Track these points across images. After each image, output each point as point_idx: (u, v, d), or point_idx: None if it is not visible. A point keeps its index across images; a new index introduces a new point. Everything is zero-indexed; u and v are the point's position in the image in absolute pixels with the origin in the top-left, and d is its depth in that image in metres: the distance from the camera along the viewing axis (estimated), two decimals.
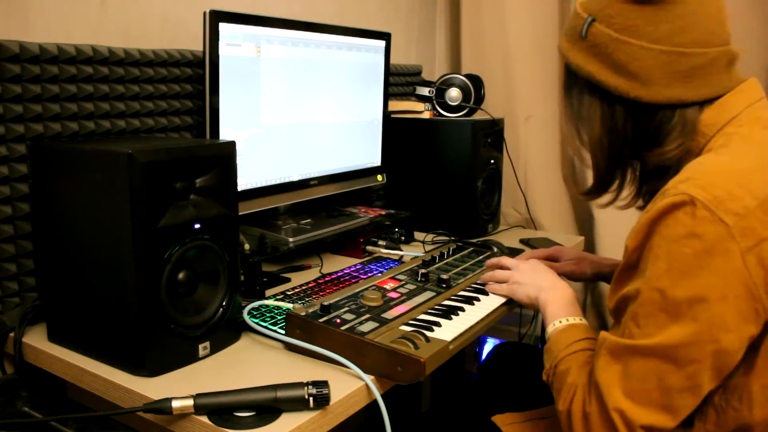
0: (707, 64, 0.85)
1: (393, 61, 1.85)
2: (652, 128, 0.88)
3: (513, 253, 1.57)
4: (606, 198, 1.00)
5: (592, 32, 0.89)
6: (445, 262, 1.41)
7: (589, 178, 1.00)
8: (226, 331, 1.05)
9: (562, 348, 0.93)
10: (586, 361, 0.89)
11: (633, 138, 0.90)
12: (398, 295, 1.17)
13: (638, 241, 0.80)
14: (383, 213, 1.73)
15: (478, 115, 1.94)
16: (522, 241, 1.81)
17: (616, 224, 2.03)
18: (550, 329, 1.00)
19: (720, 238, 0.73)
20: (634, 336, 0.79)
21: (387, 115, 1.85)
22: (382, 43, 1.76)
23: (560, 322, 0.99)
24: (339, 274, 1.37)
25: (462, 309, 1.15)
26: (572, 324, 0.98)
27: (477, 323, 1.11)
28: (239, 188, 1.12)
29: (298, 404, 0.85)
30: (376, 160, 1.84)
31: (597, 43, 0.88)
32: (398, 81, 2.09)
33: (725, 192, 0.74)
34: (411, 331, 1.01)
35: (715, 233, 0.73)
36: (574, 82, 0.94)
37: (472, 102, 1.94)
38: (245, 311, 1.10)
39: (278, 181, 1.48)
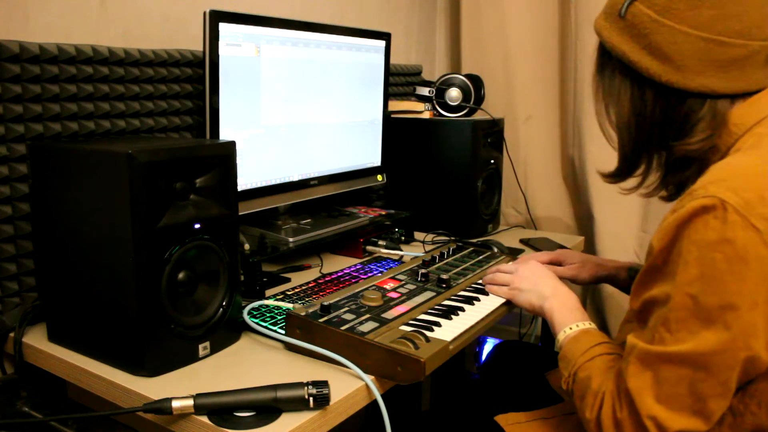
0: (746, 56, 0.83)
1: (393, 61, 1.85)
2: (680, 116, 0.86)
3: (513, 253, 1.57)
4: (631, 182, 0.97)
5: (631, 11, 0.86)
6: (445, 262, 1.41)
7: (612, 163, 0.97)
8: (226, 331, 1.05)
9: (579, 355, 0.92)
10: (608, 367, 0.88)
11: (661, 123, 0.88)
12: (398, 295, 1.17)
13: (665, 242, 0.78)
14: (383, 213, 1.73)
15: (478, 115, 1.94)
16: (522, 241, 1.81)
17: (617, 224, 2.04)
18: (561, 337, 1.00)
19: (752, 244, 0.72)
20: (665, 341, 0.77)
21: (387, 115, 1.85)
22: (382, 43, 1.76)
23: (570, 329, 0.99)
24: (339, 274, 1.37)
25: (462, 309, 1.15)
26: (583, 330, 0.98)
27: (477, 323, 1.11)
28: (239, 188, 1.12)
29: (298, 404, 0.85)
30: (376, 160, 1.84)
31: (636, 23, 0.86)
32: (398, 81, 2.09)
33: (757, 196, 0.73)
34: (411, 331, 1.01)
35: (746, 239, 0.72)
36: (607, 61, 0.92)
37: (472, 102, 1.94)
38: (245, 311, 1.10)
39: (278, 181, 1.48)
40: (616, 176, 0.98)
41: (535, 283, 1.15)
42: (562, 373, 0.95)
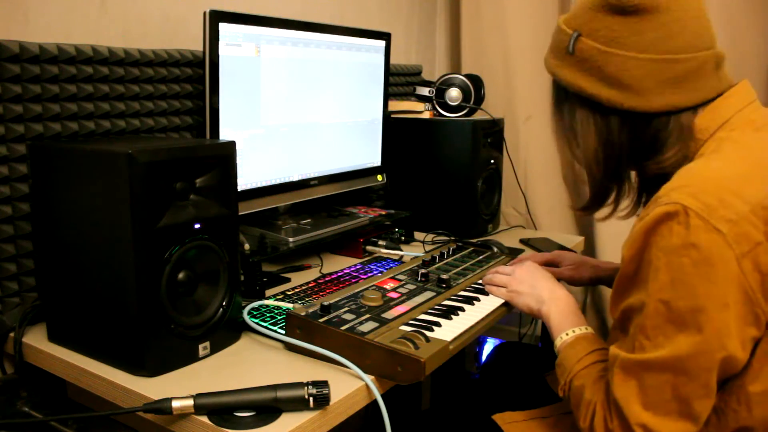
0: (697, 68, 0.85)
1: (393, 61, 1.85)
2: (648, 137, 0.89)
3: (513, 253, 1.57)
4: (604, 212, 1.00)
5: (579, 47, 0.89)
6: (445, 262, 1.41)
7: (586, 190, 1.00)
8: (226, 331, 1.05)
9: (574, 362, 0.93)
10: (600, 376, 0.89)
11: (630, 148, 0.90)
12: (398, 295, 1.17)
13: (634, 250, 0.80)
14: (383, 213, 1.73)
15: (478, 115, 1.94)
16: (522, 241, 1.81)
17: (617, 224, 2.03)
18: (558, 343, 1.00)
19: (716, 246, 0.73)
20: (645, 348, 0.79)
21: (387, 115, 1.85)
22: (382, 43, 1.76)
23: (567, 334, 0.99)
24: (339, 274, 1.37)
25: (462, 309, 1.15)
26: (579, 336, 0.98)
27: (477, 323, 1.11)
28: (239, 188, 1.12)
29: (298, 404, 0.85)
30: (376, 160, 1.84)
31: (585, 57, 0.88)
32: (398, 81, 2.09)
33: (717, 199, 0.75)
34: (411, 331, 1.01)
35: (710, 242, 0.74)
36: (564, 97, 0.94)
37: (472, 102, 1.94)
38: (245, 311, 1.10)
39: (278, 181, 1.48)
40: (588, 208, 1.00)
41: (533, 285, 1.15)
42: (558, 380, 0.95)
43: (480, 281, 1.30)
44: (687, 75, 0.85)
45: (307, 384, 0.85)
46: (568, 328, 1.00)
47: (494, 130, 1.88)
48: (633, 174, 0.97)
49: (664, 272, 0.76)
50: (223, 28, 1.27)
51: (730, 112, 0.86)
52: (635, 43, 0.85)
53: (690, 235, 0.74)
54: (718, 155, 0.84)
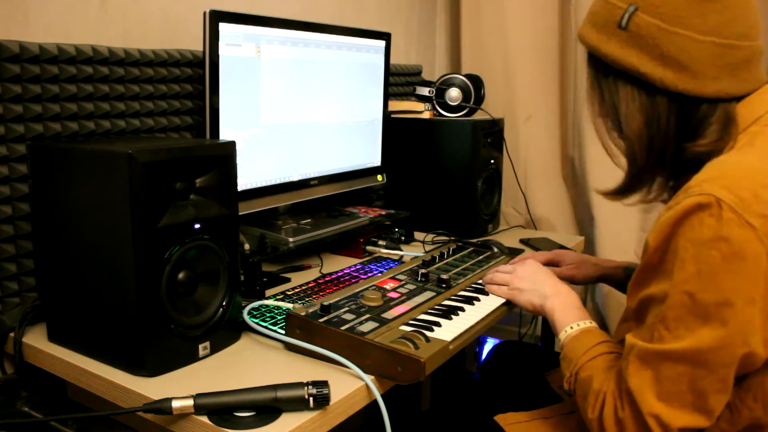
0: (751, 56, 0.84)
1: (393, 61, 1.85)
2: (694, 122, 0.85)
3: (513, 253, 1.57)
4: (636, 196, 0.96)
5: (635, 22, 0.85)
6: (445, 262, 1.41)
7: (617, 176, 0.95)
8: (226, 331, 1.05)
9: (580, 354, 0.92)
10: (609, 366, 0.88)
11: (674, 131, 0.87)
12: (398, 295, 1.17)
13: (661, 240, 0.79)
14: (383, 213, 1.73)
15: (478, 115, 1.94)
16: (522, 241, 1.81)
17: (617, 224, 2.04)
18: (562, 336, 1.00)
19: (747, 241, 0.72)
20: (664, 339, 0.78)
21: (387, 115, 1.85)
22: (382, 43, 1.76)
23: (571, 328, 0.99)
24: (339, 274, 1.37)
25: (462, 309, 1.15)
26: (584, 329, 0.98)
27: (477, 323, 1.11)
28: (239, 188, 1.12)
29: (298, 404, 0.85)
30: (376, 160, 1.84)
31: (642, 33, 0.84)
32: (398, 81, 2.09)
33: (751, 193, 0.74)
34: (411, 331, 1.01)
35: (742, 236, 0.72)
36: (605, 74, 0.90)
37: (472, 102, 1.94)
38: (245, 311, 1.10)
39: (278, 181, 1.48)
40: (621, 192, 0.96)
41: (535, 282, 1.15)
42: (563, 373, 0.95)
43: (480, 281, 1.30)
44: (742, 63, 0.83)
45: (307, 384, 0.85)
46: (573, 322, 1.00)
47: (494, 130, 1.88)
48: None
49: (691, 263, 0.75)
50: (223, 28, 1.27)
51: (765, 108, 0.84)
52: (697, 24, 0.82)
53: (722, 228, 0.73)
54: (751, 149, 0.82)
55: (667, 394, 0.78)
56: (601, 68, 0.90)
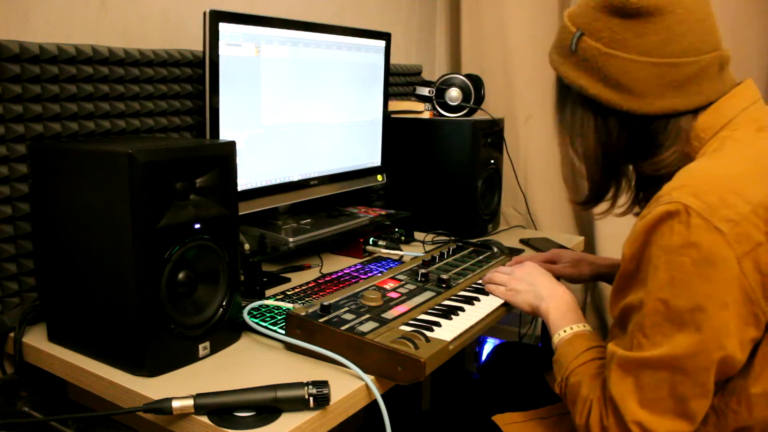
0: (699, 72, 0.85)
1: (393, 61, 1.85)
2: (646, 139, 0.89)
3: (513, 253, 1.57)
4: (602, 207, 1.01)
5: (581, 46, 0.89)
6: (445, 262, 1.41)
7: (585, 186, 1.01)
8: (226, 331, 1.05)
9: (571, 359, 0.93)
10: (597, 372, 0.89)
11: (627, 148, 0.91)
12: (398, 295, 1.17)
13: (635, 248, 0.81)
14: (383, 213, 1.73)
15: (478, 115, 1.94)
16: (522, 241, 1.81)
17: (617, 224, 2.03)
18: (555, 339, 1.00)
19: (716, 246, 0.73)
20: (642, 347, 0.79)
21: (387, 115, 1.85)
22: (382, 43, 1.76)
23: (564, 331, 0.99)
24: (339, 274, 1.37)
25: (462, 309, 1.15)
26: (577, 333, 0.99)
27: (477, 323, 1.11)
28: (239, 188, 1.12)
29: (298, 404, 0.85)
30: (376, 160, 1.84)
31: (587, 57, 0.88)
32: (398, 81, 2.09)
33: (718, 198, 0.75)
34: (411, 331, 1.01)
35: (711, 241, 0.74)
36: (566, 94, 0.95)
37: (472, 102, 1.94)
38: (245, 311, 1.10)
39: (278, 181, 1.48)
40: (586, 203, 1.01)
41: (532, 283, 1.15)
42: (555, 376, 0.95)
43: (480, 281, 1.30)
44: (688, 79, 0.85)
45: (307, 384, 0.85)
46: (566, 325, 1.00)
47: (494, 130, 1.88)
48: (631, 171, 0.97)
49: (664, 271, 0.76)
50: (223, 28, 1.27)
51: (734, 112, 0.86)
52: (637, 46, 0.84)
53: (691, 235, 0.74)
54: (720, 154, 0.84)
55: (648, 401, 0.79)
56: (564, 89, 0.95)
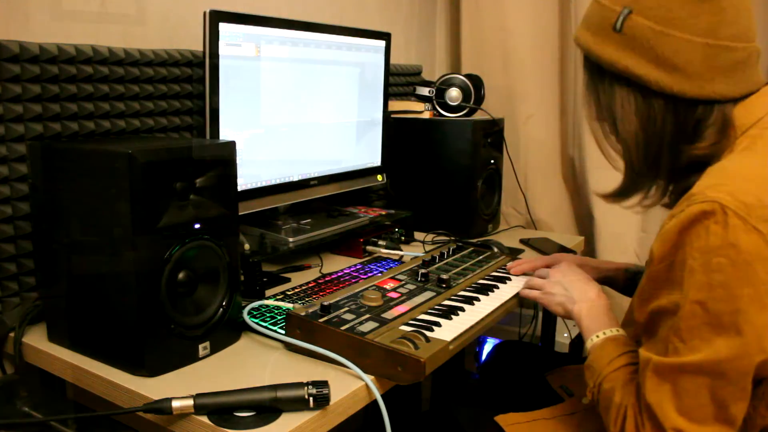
0: (746, 58, 0.83)
1: (393, 61, 1.85)
2: (691, 124, 0.85)
3: (513, 253, 1.57)
4: (634, 199, 0.96)
5: (629, 25, 0.84)
6: (445, 262, 1.41)
7: (616, 179, 0.95)
8: (226, 331, 1.05)
9: (604, 365, 0.91)
10: (630, 378, 0.87)
11: (672, 133, 0.86)
12: (398, 295, 1.17)
13: (667, 249, 0.78)
14: (383, 213, 1.73)
15: (478, 115, 1.94)
16: (522, 241, 1.81)
17: (617, 224, 2.04)
18: (588, 344, 0.98)
19: (755, 247, 0.72)
20: (679, 352, 0.77)
21: (387, 115, 1.85)
22: (382, 43, 1.76)
23: (597, 336, 0.97)
24: (339, 274, 1.37)
25: (462, 309, 1.15)
26: (609, 337, 0.96)
27: (477, 323, 1.11)
28: (239, 188, 1.12)
29: (298, 404, 0.85)
30: (376, 160, 1.84)
31: (636, 35, 0.84)
32: (398, 81, 2.09)
33: (755, 198, 0.73)
34: (411, 331, 1.01)
35: (749, 242, 0.72)
36: (600, 77, 0.90)
37: (472, 102, 1.94)
38: (245, 311, 1.10)
39: (278, 181, 1.48)
40: (619, 195, 0.96)
41: (566, 287, 1.13)
42: (587, 382, 0.93)
43: (480, 281, 1.30)
44: (738, 64, 0.83)
45: (307, 384, 0.85)
46: (599, 330, 0.98)
47: (494, 130, 1.88)
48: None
49: (701, 273, 0.74)
50: (223, 28, 1.27)
51: (765, 110, 0.84)
52: (691, 26, 0.81)
53: (729, 235, 0.72)
54: (751, 153, 0.82)
55: (687, 408, 0.76)
56: (597, 71, 0.90)
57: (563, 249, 1.73)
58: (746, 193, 0.74)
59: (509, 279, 1.34)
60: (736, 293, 0.73)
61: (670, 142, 0.87)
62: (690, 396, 0.76)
